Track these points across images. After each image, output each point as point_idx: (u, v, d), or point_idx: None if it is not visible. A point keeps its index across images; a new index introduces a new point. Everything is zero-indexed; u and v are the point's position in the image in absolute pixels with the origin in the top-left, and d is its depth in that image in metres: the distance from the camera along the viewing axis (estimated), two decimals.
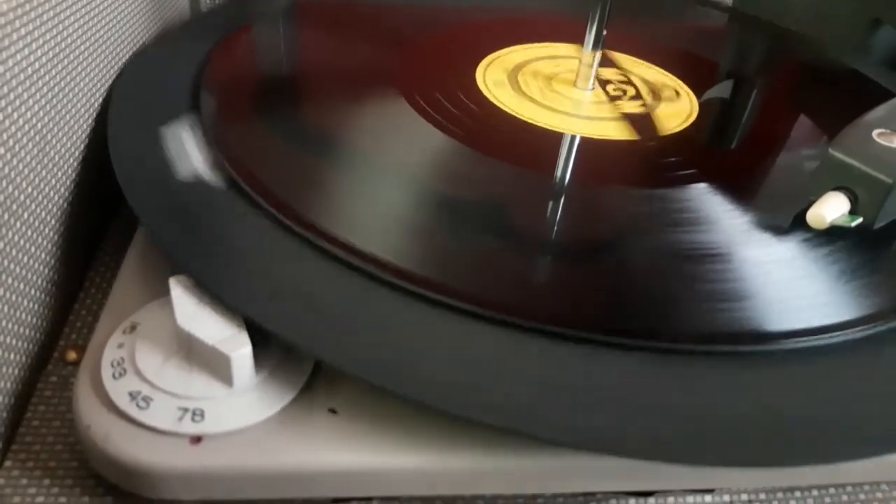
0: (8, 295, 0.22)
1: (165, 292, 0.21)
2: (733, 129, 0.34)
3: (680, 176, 0.28)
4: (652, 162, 0.30)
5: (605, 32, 0.33)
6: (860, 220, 0.25)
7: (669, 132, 0.32)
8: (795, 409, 0.20)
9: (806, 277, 0.24)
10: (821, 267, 0.24)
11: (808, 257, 0.25)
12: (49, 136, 0.25)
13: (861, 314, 0.23)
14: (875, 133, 0.26)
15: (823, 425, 0.19)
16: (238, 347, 0.19)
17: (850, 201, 0.25)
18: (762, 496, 0.22)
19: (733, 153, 0.32)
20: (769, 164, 0.31)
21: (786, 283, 0.24)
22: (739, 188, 0.28)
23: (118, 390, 0.19)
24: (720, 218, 0.26)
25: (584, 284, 0.23)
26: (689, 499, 0.22)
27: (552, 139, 0.30)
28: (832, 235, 0.25)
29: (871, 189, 0.25)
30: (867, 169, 0.25)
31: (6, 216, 0.22)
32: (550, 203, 0.27)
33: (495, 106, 0.32)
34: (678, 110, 0.34)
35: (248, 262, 0.22)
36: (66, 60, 0.26)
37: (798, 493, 0.23)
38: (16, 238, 0.23)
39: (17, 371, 0.22)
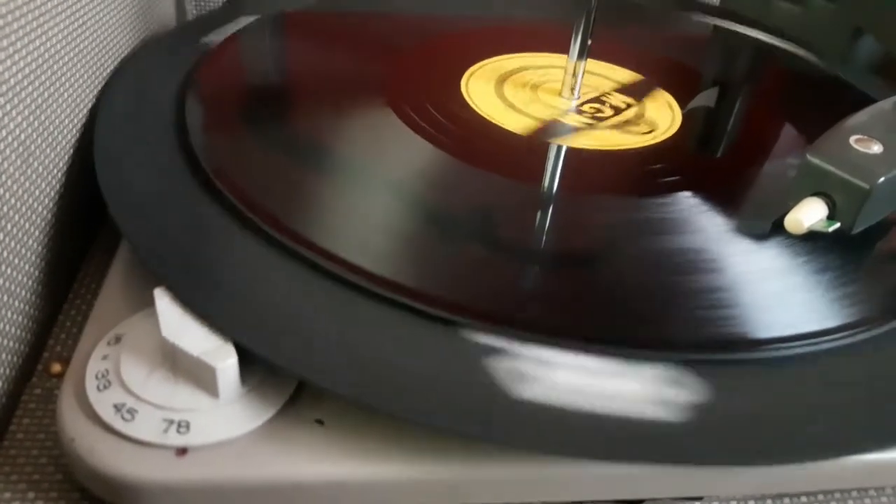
0: None
1: (150, 303, 0.21)
2: (717, 137, 0.34)
3: (664, 184, 0.28)
4: (636, 171, 0.30)
5: (589, 42, 0.33)
6: (837, 225, 0.25)
7: (654, 140, 0.32)
8: (777, 414, 0.20)
9: (783, 284, 0.24)
10: (798, 274, 0.25)
11: (786, 264, 0.25)
12: (33, 148, 0.25)
13: (838, 321, 0.23)
14: (853, 139, 0.26)
15: (803, 429, 0.19)
16: (223, 359, 0.19)
17: (828, 207, 0.25)
18: (751, 503, 0.22)
19: (717, 161, 0.32)
20: (752, 171, 0.31)
21: (763, 290, 0.24)
22: (722, 196, 0.28)
23: (103, 402, 0.19)
24: (702, 226, 0.26)
25: (569, 293, 0.24)
26: None
27: (538, 149, 0.30)
28: (811, 241, 0.25)
29: (848, 195, 0.25)
30: (844, 175, 0.25)
31: None
32: (537, 213, 0.27)
33: (481, 116, 0.32)
34: (663, 118, 0.34)
35: (231, 279, 0.22)
36: (49, 71, 0.26)
37: (787, 501, 0.23)
38: None
39: (0, 383, 0.22)
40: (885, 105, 0.29)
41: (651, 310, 0.23)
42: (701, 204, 0.27)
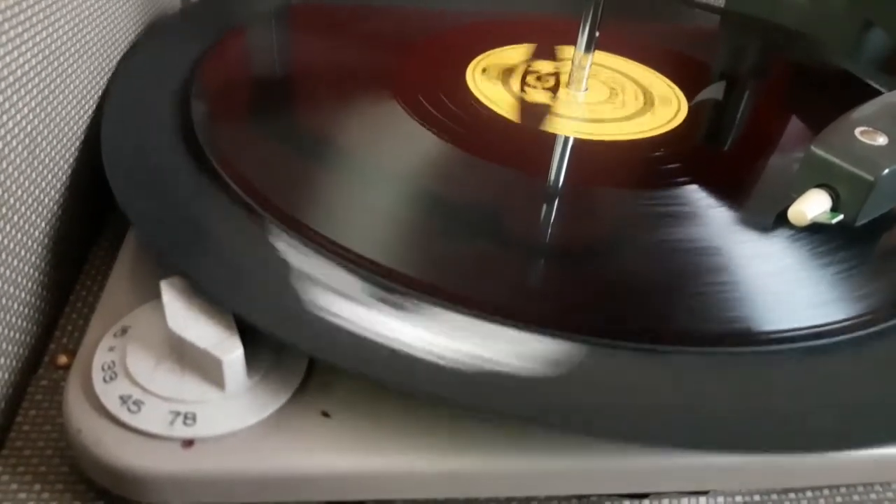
0: None
1: (157, 295, 0.21)
2: (724, 130, 0.34)
3: (671, 177, 0.28)
4: (643, 163, 0.30)
5: (597, 34, 0.33)
6: (841, 217, 0.25)
7: (661, 133, 0.32)
8: (780, 407, 0.20)
9: (787, 276, 0.24)
10: (802, 266, 0.25)
11: (790, 256, 0.25)
12: (39, 139, 0.25)
13: (843, 314, 0.23)
14: (858, 131, 0.26)
15: (812, 420, 0.19)
16: (230, 351, 0.19)
17: (832, 198, 0.25)
18: (756, 498, 0.22)
19: (724, 154, 0.32)
20: (759, 164, 0.31)
21: (766, 282, 0.24)
22: (728, 189, 0.28)
23: (109, 394, 0.19)
24: (706, 218, 0.26)
25: (573, 282, 0.23)
26: (684, 501, 0.22)
27: (544, 141, 0.30)
28: (814, 233, 0.25)
29: (852, 186, 0.25)
30: (848, 166, 0.25)
31: None
32: (543, 204, 0.27)
33: (487, 107, 0.32)
34: (669, 111, 0.34)
35: (239, 262, 0.22)
36: (56, 63, 0.26)
37: (792, 495, 0.23)
38: (5, 241, 0.22)
39: (7, 375, 0.22)
40: (891, 97, 0.29)
41: (653, 302, 0.23)
42: (705, 196, 0.27)
